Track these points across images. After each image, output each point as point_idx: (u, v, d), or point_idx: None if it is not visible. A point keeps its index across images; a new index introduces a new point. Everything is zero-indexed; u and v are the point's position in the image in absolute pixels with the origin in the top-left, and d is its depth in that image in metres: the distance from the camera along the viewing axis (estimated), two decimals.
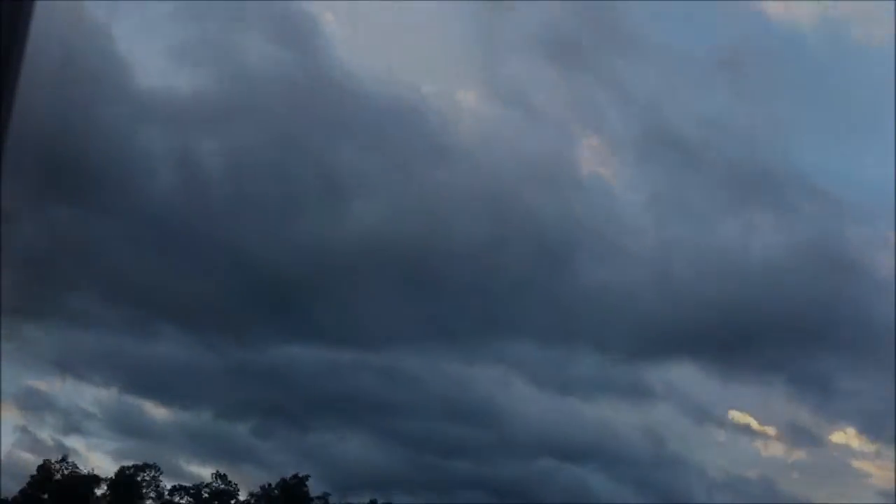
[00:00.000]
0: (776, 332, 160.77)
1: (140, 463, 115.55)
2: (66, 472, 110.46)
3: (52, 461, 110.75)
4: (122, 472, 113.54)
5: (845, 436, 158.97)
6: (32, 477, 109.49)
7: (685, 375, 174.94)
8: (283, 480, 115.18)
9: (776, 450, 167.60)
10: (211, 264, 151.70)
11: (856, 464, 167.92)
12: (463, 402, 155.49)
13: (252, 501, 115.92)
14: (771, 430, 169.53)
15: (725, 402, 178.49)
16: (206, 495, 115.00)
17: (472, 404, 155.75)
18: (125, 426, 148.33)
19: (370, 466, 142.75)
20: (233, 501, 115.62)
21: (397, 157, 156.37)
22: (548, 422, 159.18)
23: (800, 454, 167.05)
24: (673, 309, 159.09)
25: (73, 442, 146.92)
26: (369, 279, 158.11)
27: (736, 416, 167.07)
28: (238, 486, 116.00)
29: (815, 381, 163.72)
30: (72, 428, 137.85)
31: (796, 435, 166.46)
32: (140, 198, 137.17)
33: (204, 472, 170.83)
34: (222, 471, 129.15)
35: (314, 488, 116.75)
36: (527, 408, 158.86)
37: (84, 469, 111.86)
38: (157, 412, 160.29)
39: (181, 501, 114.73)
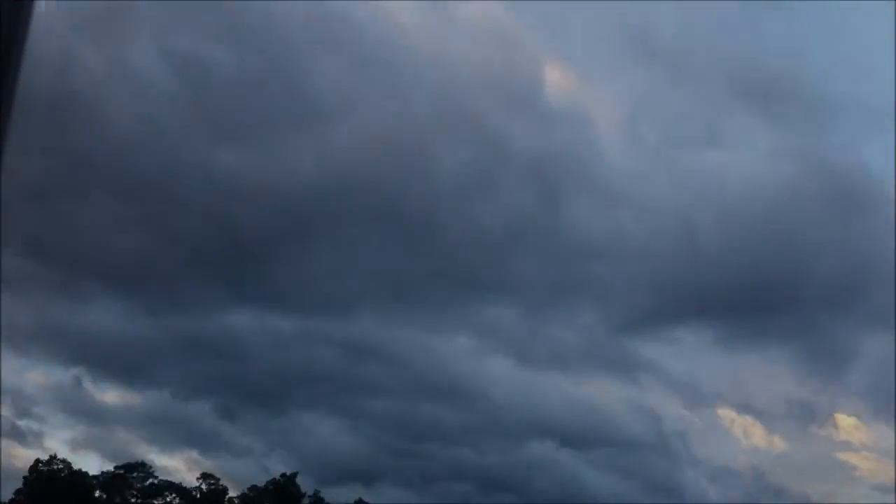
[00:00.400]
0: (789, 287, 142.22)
1: (133, 461, 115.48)
2: (56, 470, 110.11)
3: (41, 460, 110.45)
4: (113, 470, 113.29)
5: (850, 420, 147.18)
6: (25, 478, 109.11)
7: (684, 346, 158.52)
8: (274, 480, 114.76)
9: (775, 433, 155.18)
10: (146, 216, 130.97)
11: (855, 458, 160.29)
12: (438, 377, 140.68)
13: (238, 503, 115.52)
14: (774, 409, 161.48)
15: (729, 377, 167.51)
16: (197, 496, 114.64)
17: (449, 380, 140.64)
18: (75, 408, 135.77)
19: (345, 453, 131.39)
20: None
21: (365, 82, 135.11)
22: (533, 400, 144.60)
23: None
24: (675, 267, 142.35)
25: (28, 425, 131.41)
26: (330, 232, 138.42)
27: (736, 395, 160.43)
28: (226, 486, 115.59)
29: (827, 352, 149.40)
30: (22, 412, 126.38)
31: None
32: (65, 137, 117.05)
33: (171, 462, 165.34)
34: (191, 458, 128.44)
35: (304, 484, 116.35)
36: (509, 385, 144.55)
37: (75, 467, 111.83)
38: (109, 393, 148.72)
39: (173, 502, 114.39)
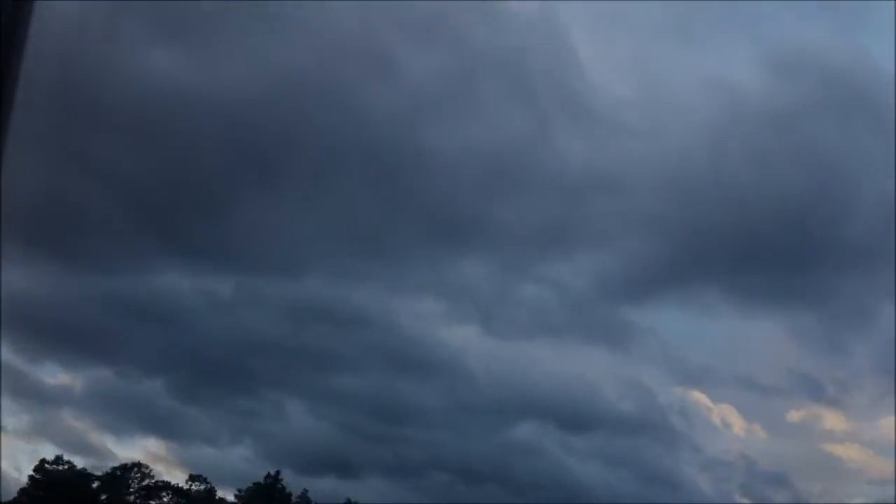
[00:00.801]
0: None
1: (129, 463, 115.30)
2: (61, 470, 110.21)
3: (47, 460, 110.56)
4: (113, 470, 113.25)
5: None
6: (30, 477, 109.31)
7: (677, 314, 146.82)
8: (258, 484, 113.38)
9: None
10: (62, 161, 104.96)
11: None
12: (407, 347, 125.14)
13: None
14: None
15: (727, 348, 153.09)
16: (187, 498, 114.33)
17: (419, 352, 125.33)
18: (11, 390, 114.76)
19: (317, 440, 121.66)
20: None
21: None
22: (515, 375, 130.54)
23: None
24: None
25: None
26: (276, 179, 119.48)
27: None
28: (214, 487, 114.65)
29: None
30: None
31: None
32: None
33: (133, 452, 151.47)
34: (154, 448, 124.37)
35: (290, 482, 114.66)
36: (487, 356, 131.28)
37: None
38: (44, 371, 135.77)
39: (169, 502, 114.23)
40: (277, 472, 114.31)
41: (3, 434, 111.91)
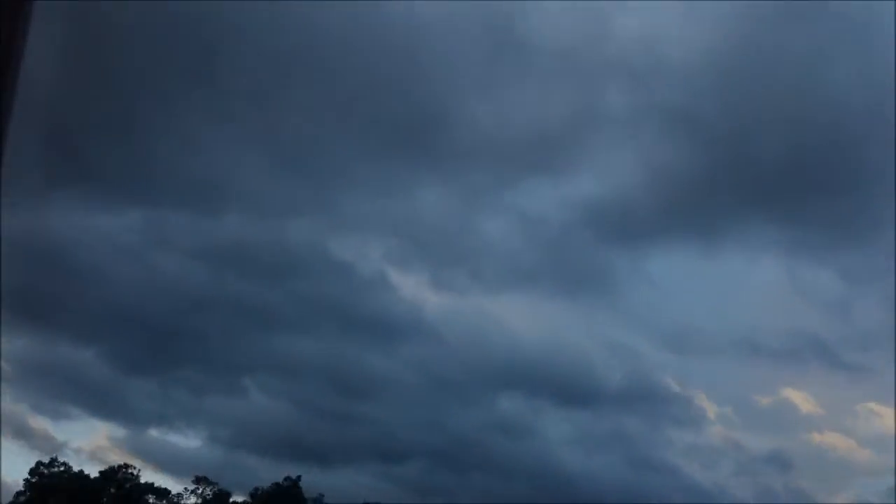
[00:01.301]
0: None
1: (124, 462, 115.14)
2: (57, 471, 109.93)
3: (43, 463, 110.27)
4: (109, 470, 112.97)
5: None
6: (26, 480, 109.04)
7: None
8: (276, 485, 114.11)
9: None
10: None
11: None
12: (357, 303, 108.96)
13: None
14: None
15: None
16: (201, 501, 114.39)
17: (370, 309, 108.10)
18: None
19: (276, 421, 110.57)
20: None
21: None
22: (487, 335, 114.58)
23: None
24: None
25: None
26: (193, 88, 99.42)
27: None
28: (229, 491, 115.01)
29: None
30: None
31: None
32: None
33: (84, 440, 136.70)
34: (105, 433, 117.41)
35: (307, 489, 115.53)
36: (454, 313, 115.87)
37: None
38: None
39: (188, 501, 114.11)
40: (298, 477, 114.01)
41: None
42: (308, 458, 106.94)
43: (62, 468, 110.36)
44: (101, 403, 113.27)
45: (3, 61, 4.11)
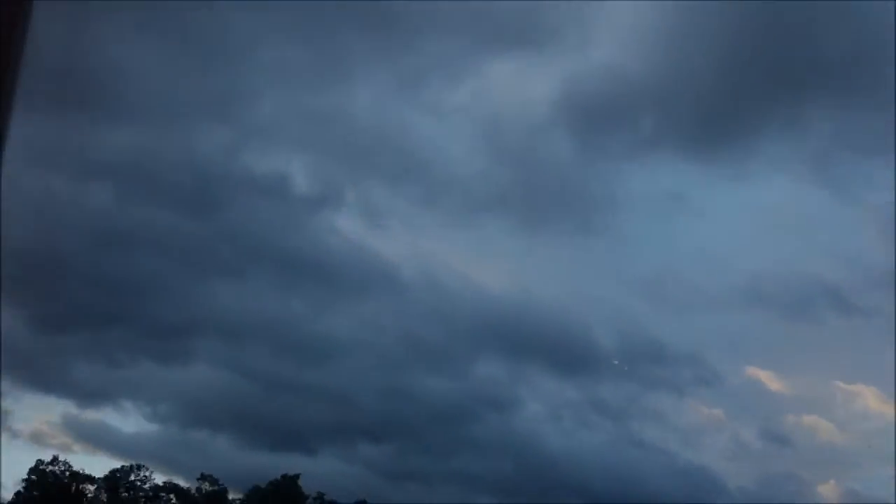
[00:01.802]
0: None
1: (131, 464, 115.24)
2: (59, 471, 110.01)
3: (45, 461, 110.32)
4: (113, 472, 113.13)
5: None
6: (25, 479, 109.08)
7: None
8: (274, 481, 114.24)
9: None
10: None
11: None
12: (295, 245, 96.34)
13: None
14: None
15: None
16: (197, 496, 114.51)
17: (307, 246, 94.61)
18: None
19: (216, 397, 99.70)
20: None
21: None
22: (458, 284, 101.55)
23: None
24: None
25: None
26: None
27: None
28: (226, 487, 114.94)
29: None
30: None
31: None
32: None
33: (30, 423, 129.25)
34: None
35: (305, 487, 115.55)
36: (409, 256, 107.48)
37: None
38: None
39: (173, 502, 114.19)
40: (297, 475, 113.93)
41: None
42: (263, 439, 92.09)
43: (63, 467, 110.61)
44: (36, 371, 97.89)
45: (3, 61, 4.10)
